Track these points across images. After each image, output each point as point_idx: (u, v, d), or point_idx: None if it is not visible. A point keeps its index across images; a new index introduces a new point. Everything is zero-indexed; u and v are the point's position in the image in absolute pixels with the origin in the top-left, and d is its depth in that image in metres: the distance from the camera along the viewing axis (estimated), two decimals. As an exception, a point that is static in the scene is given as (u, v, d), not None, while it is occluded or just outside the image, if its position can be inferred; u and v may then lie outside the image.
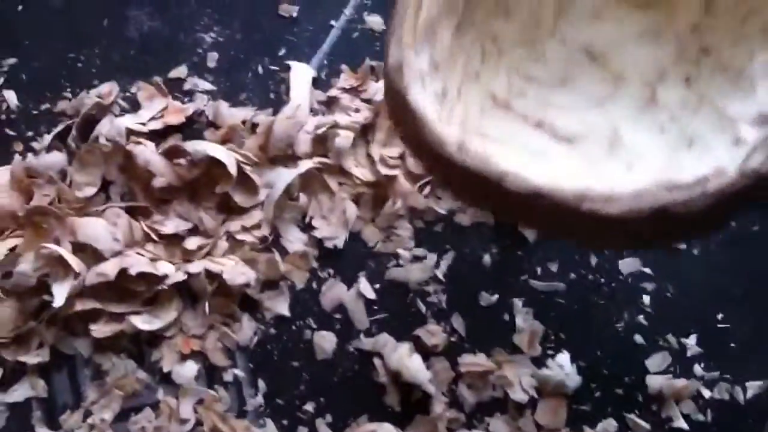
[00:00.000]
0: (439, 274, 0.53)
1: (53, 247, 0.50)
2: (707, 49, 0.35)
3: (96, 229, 0.51)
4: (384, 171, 0.52)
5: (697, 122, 0.33)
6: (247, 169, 0.52)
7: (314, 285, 0.53)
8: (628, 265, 0.53)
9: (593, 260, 0.53)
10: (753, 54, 0.32)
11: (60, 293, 0.50)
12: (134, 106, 0.55)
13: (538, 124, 0.34)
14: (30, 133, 0.55)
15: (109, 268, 0.50)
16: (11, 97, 0.55)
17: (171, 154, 0.52)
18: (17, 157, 0.54)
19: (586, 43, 0.36)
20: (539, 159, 0.32)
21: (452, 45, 0.34)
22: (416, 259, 0.53)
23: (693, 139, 0.32)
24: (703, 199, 0.28)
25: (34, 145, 0.54)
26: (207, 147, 0.51)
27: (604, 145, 0.33)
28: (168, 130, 0.54)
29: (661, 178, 0.28)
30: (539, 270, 0.53)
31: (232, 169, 0.50)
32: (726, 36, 0.34)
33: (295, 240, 0.54)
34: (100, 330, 0.51)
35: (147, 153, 0.51)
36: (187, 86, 0.55)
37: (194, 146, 0.51)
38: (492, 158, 0.30)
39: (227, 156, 0.50)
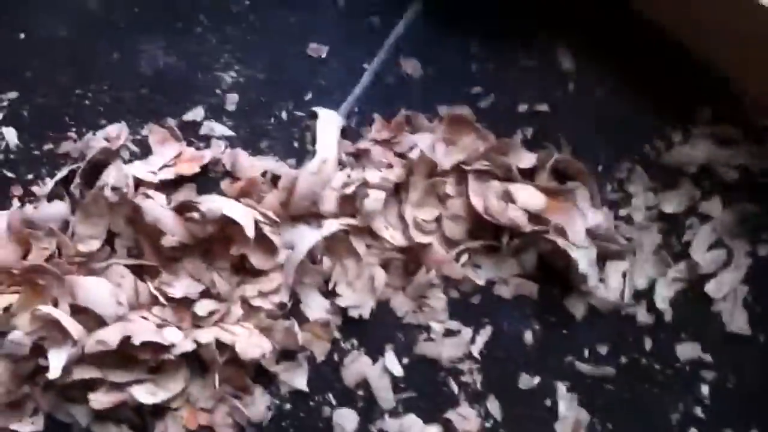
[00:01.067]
0: (475, 350, 0.48)
1: (50, 310, 0.45)
2: None
3: (97, 292, 0.46)
4: (418, 237, 0.47)
5: None
6: (267, 228, 0.47)
7: (336, 357, 0.48)
8: (685, 350, 0.48)
9: (647, 343, 0.48)
10: None
11: (56, 362, 0.45)
12: (144, 150, 0.50)
13: None
14: (30, 176, 0.50)
15: (111, 336, 0.45)
16: (11, 135, 0.50)
17: (183, 210, 0.47)
18: (15, 204, 0.49)
19: None
20: None
21: None
22: (450, 333, 0.48)
23: None
24: None
25: (35, 189, 0.49)
26: (223, 205, 0.46)
27: None
28: (181, 179, 0.49)
29: None
30: (587, 351, 0.48)
31: (250, 232, 0.45)
32: None
33: (316, 307, 0.48)
34: (99, 400, 0.46)
35: (157, 209, 0.46)
36: (203, 130, 0.50)
37: (209, 203, 0.46)
38: None
39: (245, 216, 0.46)
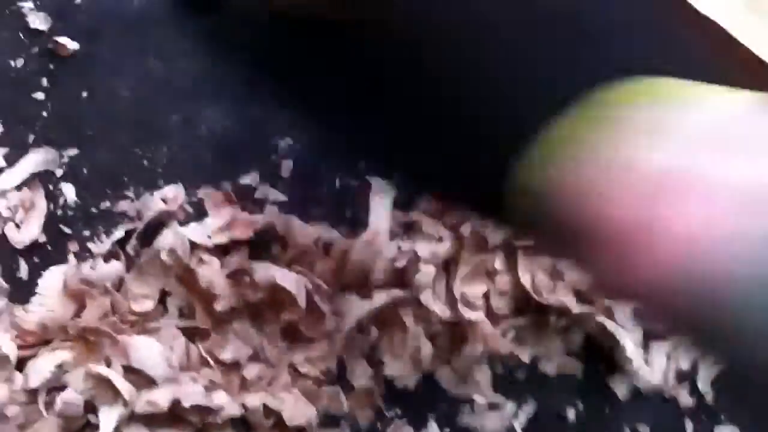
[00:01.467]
0: (517, 425, 0.49)
1: (103, 370, 0.46)
2: None
3: (150, 353, 0.47)
4: (466, 313, 0.48)
5: None
6: (317, 296, 0.48)
7: (379, 425, 0.49)
8: (727, 434, 0.48)
9: (688, 425, 0.48)
10: None
11: (108, 422, 0.46)
12: (199, 212, 0.51)
13: None
14: (87, 233, 0.51)
15: (161, 398, 0.46)
16: (69, 191, 0.52)
17: (236, 276, 0.48)
18: (72, 260, 0.50)
19: None
20: None
21: None
22: (493, 406, 0.49)
23: None
24: None
25: (91, 246, 0.51)
26: (276, 274, 0.46)
27: None
28: (234, 243, 0.50)
29: None
30: (628, 431, 0.49)
31: (302, 301, 0.46)
32: None
33: (361, 375, 0.49)
34: (145, 459, 0.48)
35: (211, 275, 0.47)
36: (257, 195, 0.51)
37: (263, 272, 0.47)
38: None
39: (297, 286, 0.46)
